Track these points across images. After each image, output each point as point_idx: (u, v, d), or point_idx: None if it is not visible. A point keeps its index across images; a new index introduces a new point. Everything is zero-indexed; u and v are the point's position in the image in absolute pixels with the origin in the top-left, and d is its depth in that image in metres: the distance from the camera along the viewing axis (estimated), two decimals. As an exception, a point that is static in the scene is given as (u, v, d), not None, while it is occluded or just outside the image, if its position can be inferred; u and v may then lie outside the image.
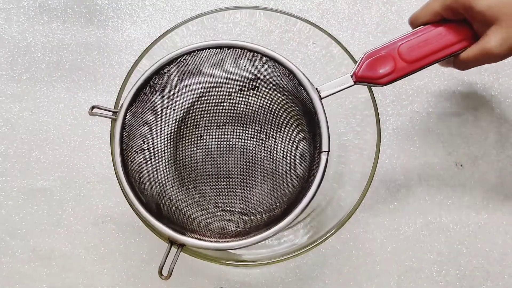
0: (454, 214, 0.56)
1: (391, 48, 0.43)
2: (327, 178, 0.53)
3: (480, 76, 0.58)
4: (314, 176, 0.42)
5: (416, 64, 0.43)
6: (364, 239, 0.55)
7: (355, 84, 0.43)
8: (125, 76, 0.48)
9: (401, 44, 0.43)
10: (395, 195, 0.56)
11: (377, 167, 0.47)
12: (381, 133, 0.48)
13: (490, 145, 0.57)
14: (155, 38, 0.49)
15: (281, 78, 0.48)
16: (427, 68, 0.59)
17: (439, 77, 0.58)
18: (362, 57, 0.44)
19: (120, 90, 0.48)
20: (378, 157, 0.47)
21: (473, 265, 0.55)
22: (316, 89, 0.44)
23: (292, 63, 0.44)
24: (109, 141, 0.44)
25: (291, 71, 0.44)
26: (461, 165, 0.57)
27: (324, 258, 0.55)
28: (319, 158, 0.42)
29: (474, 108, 0.57)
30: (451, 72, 0.58)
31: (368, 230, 0.55)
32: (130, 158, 0.45)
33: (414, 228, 0.55)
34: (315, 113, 0.43)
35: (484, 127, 0.57)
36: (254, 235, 0.42)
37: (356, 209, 0.46)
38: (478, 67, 0.58)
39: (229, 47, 0.45)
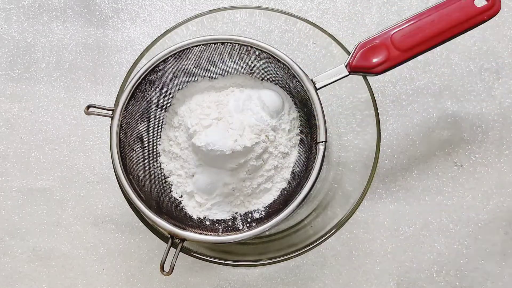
0: (454, 214, 0.55)
1: (384, 37, 0.43)
2: (328, 179, 0.53)
3: (480, 76, 0.58)
4: (312, 167, 0.42)
5: (409, 52, 0.43)
6: (364, 239, 0.55)
7: (350, 74, 0.43)
8: (124, 76, 0.48)
9: (394, 33, 0.43)
10: (395, 195, 0.56)
11: (377, 167, 0.47)
12: (381, 133, 0.48)
13: (490, 145, 0.57)
14: (155, 38, 0.49)
15: (277, 71, 0.48)
16: (427, 68, 0.59)
17: (439, 77, 0.58)
18: (356, 47, 0.44)
19: (119, 90, 0.48)
20: (378, 157, 0.47)
21: (473, 265, 0.55)
22: (312, 80, 0.44)
23: (287, 55, 0.44)
24: (109, 141, 0.44)
25: (286, 63, 0.44)
26: (461, 165, 0.56)
27: (324, 258, 0.55)
28: (317, 149, 0.43)
29: (474, 108, 0.57)
30: (451, 73, 0.58)
31: (368, 230, 0.55)
32: (128, 156, 0.45)
33: (414, 229, 0.55)
34: (312, 104, 0.44)
35: (484, 127, 0.57)
36: (254, 227, 0.42)
37: (356, 209, 0.46)
38: (478, 67, 0.58)
39: (223, 42, 0.45)
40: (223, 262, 0.45)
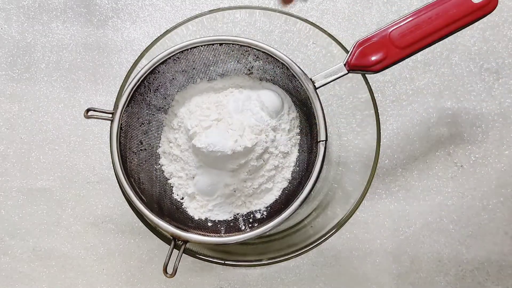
0: (454, 214, 0.55)
1: (382, 34, 0.43)
2: (328, 179, 0.53)
3: (480, 76, 0.58)
4: (313, 166, 0.42)
5: (407, 50, 0.43)
6: (364, 239, 0.55)
7: (348, 72, 0.43)
8: (124, 76, 0.48)
9: (392, 31, 0.43)
10: (395, 195, 0.56)
11: (377, 167, 0.47)
12: (381, 133, 0.48)
13: (490, 145, 0.57)
14: (155, 38, 0.49)
15: (275, 71, 0.48)
16: (427, 68, 0.59)
17: (439, 77, 0.58)
18: (354, 45, 0.43)
19: (119, 90, 0.48)
20: (378, 157, 0.47)
21: (473, 265, 0.55)
22: (311, 79, 0.44)
23: (285, 55, 0.44)
24: (109, 142, 0.44)
25: (284, 62, 0.44)
26: (461, 165, 0.56)
27: (324, 258, 0.55)
28: (317, 148, 0.43)
29: (474, 109, 0.57)
30: (451, 73, 0.58)
31: (368, 230, 0.55)
32: (129, 159, 0.45)
33: (414, 229, 0.55)
34: (311, 103, 0.43)
35: (484, 127, 0.57)
36: (257, 227, 0.42)
37: (356, 209, 0.46)
38: (478, 67, 0.58)
39: (221, 42, 0.45)
40: (223, 262, 0.45)
